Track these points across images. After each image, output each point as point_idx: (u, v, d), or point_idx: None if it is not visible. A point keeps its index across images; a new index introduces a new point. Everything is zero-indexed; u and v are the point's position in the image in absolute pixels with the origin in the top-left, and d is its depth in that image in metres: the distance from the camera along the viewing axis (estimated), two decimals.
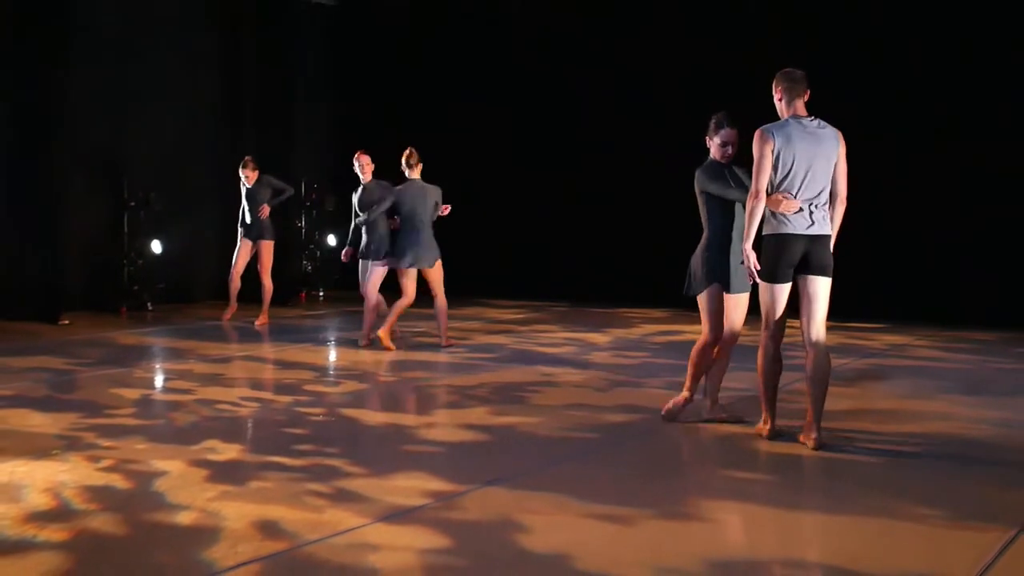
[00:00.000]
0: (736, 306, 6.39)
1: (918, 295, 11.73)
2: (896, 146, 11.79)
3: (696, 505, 4.86)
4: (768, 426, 6.09)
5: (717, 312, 6.36)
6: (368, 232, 9.72)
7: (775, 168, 5.74)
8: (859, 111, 10.07)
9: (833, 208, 5.88)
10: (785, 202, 5.74)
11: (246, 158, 11.66)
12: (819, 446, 5.82)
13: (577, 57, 13.99)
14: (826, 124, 5.86)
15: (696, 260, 6.40)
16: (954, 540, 4.39)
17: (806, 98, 5.85)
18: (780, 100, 5.87)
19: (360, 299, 9.99)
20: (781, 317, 5.91)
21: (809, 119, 5.82)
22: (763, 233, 5.85)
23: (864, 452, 5.85)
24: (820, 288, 5.81)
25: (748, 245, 5.82)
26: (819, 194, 5.78)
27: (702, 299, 6.39)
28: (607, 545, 4.27)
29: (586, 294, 13.64)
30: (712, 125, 6.47)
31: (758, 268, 5.81)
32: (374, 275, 9.77)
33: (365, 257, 9.78)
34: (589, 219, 13.77)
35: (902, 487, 5.21)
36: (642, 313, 12.48)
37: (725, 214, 6.28)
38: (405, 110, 15.00)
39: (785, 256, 5.76)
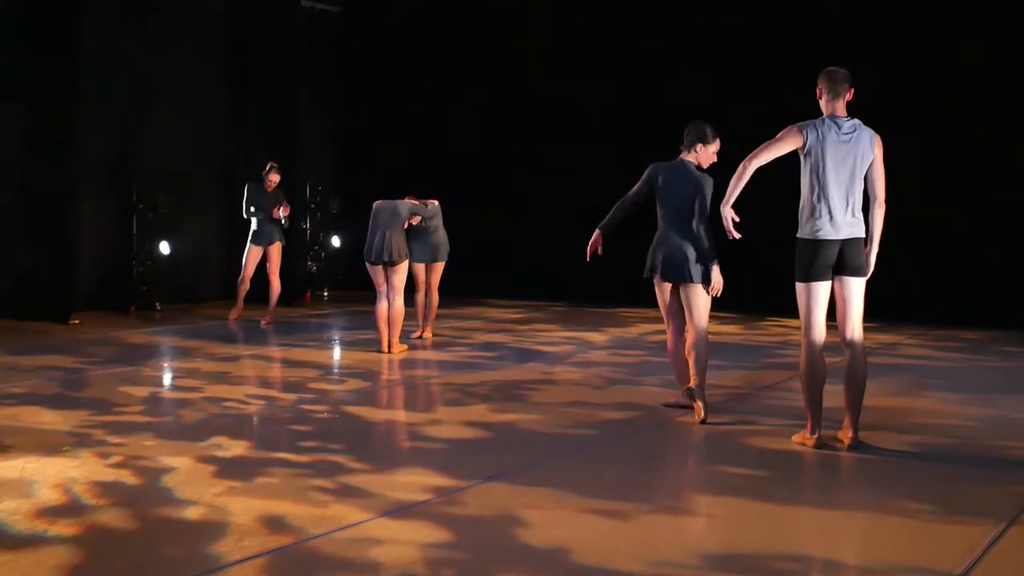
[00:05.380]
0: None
1: (908, 294, 11.70)
2: (887, 147, 11.78)
3: (691, 500, 4.92)
4: (815, 436, 5.85)
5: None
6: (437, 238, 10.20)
7: (804, 164, 5.72)
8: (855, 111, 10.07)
9: (872, 211, 5.83)
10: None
11: (274, 164, 11.59)
12: (854, 446, 5.83)
13: (577, 58, 14.02)
14: (863, 126, 5.78)
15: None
16: (944, 534, 4.43)
17: (848, 97, 5.77)
18: (821, 99, 5.81)
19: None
20: (820, 319, 5.81)
21: (847, 120, 5.76)
22: (797, 235, 5.82)
23: (855, 448, 5.87)
24: (854, 289, 5.82)
25: (727, 207, 5.78)
26: (849, 196, 5.74)
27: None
28: (604, 539, 4.32)
29: (584, 294, 13.67)
30: (709, 133, 6.51)
31: (736, 220, 5.76)
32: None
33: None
34: (587, 220, 13.78)
35: (893, 482, 5.26)
36: (638, 313, 12.46)
37: None
38: (408, 114, 15.09)
39: (819, 258, 5.73)
